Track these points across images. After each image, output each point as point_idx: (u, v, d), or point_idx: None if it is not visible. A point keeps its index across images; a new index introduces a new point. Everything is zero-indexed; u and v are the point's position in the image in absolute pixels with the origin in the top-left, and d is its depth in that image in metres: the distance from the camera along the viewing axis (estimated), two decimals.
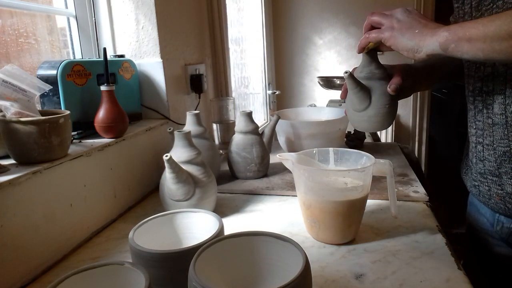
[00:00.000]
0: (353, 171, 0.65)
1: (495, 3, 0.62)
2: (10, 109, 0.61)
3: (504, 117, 0.65)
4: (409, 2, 2.30)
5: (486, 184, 0.72)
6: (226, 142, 1.25)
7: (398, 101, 0.71)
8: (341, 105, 1.93)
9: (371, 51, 0.68)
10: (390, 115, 0.69)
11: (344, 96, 0.74)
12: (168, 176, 0.70)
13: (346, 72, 0.66)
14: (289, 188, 0.92)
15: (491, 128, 0.68)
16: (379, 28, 0.64)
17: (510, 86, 0.63)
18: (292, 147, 1.07)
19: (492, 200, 0.71)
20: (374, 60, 0.68)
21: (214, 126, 1.29)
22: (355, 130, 1.26)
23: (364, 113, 0.68)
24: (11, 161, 0.64)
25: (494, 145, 0.68)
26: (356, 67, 0.72)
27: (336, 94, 2.31)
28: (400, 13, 0.62)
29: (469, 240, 0.86)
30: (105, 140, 0.80)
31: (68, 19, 1.01)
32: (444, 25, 0.59)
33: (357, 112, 0.69)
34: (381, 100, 0.67)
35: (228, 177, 1.01)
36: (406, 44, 0.60)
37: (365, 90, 0.67)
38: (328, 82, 2.01)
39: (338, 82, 1.96)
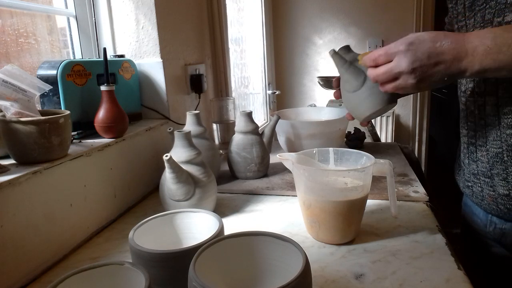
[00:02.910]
0: (353, 171, 0.65)
1: (488, 3, 0.62)
2: (10, 109, 0.61)
3: (496, 118, 0.65)
4: (409, 2, 2.30)
5: (479, 185, 0.72)
6: (226, 142, 1.25)
7: (398, 101, 0.71)
8: (341, 105, 1.93)
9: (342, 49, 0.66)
10: (386, 95, 0.64)
11: (338, 94, 0.69)
12: (168, 176, 0.70)
13: (331, 51, 0.63)
14: (289, 188, 0.92)
15: (484, 129, 0.68)
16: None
17: (502, 88, 0.63)
18: (292, 147, 1.07)
19: (485, 201, 0.71)
20: (350, 50, 0.66)
21: (214, 126, 1.29)
22: (355, 130, 1.26)
23: (361, 92, 0.64)
24: (11, 161, 0.64)
25: (487, 146, 0.68)
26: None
27: None
28: (405, 54, 0.53)
29: (465, 241, 0.86)
30: (105, 140, 0.80)
31: (68, 19, 1.01)
32: (464, 41, 0.52)
33: (354, 94, 0.65)
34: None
35: (228, 177, 1.01)
36: (435, 85, 0.55)
37: (355, 66, 0.63)
38: (328, 82, 2.01)
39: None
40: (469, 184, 0.75)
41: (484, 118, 0.67)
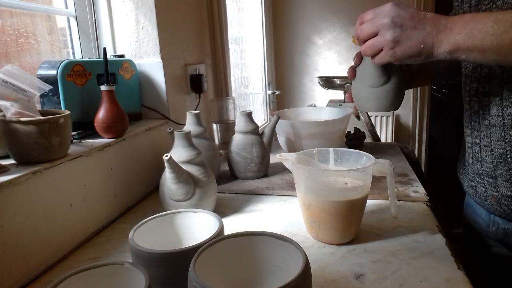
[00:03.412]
0: (353, 171, 0.65)
1: (495, 2, 0.62)
2: (10, 109, 0.61)
3: (501, 119, 0.65)
4: (409, 2, 2.30)
5: (483, 185, 0.72)
6: (226, 142, 1.25)
7: None
8: (341, 105, 1.93)
9: None
10: (403, 93, 0.66)
11: (352, 75, 0.69)
12: (168, 176, 0.70)
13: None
14: (289, 188, 0.92)
15: (488, 129, 0.68)
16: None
17: (507, 88, 0.63)
18: (292, 147, 1.07)
19: (488, 202, 0.71)
20: None
21: (214, 126, 1.29)
22: (355, 130, 1.26)
23: (383, 88, 0.65)
24: (11, 161, 0.64)
25: (492, 146, 0.68)
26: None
27: (336, 94, 2.31)
28: (390, 10, 0.56)
29: (466, 241, 0.86)
30: (105, 140, 0.80)
31: (68, 19, 1.01)
32: (445, 18, 0.55)
33: (373, 89, 0.65)
34: (397, 75, 0.65)
35: (228, 177, 1.01)
36: (410, 53, 0.56)
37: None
38: (328, 82, 2.01)
39: (338, 82, 1.96)
40: (473, 184, 0.75)
41: (488, 118, 0.67)
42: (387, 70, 0.64)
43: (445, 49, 0.54)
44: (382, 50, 0.58)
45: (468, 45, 0.53)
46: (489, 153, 0.68)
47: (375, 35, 0.58)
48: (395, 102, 0.66)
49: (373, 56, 0.60)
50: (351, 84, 0.70)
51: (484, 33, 0.52)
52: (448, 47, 0.54)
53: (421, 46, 0.55)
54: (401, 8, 0.55)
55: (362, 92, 0.67)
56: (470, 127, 0.73)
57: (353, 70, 0.69)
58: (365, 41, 0.60)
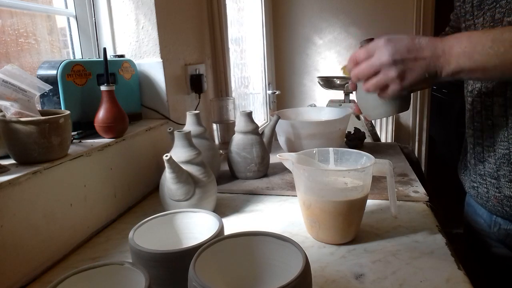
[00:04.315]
0: (353, 171, 0.65)
1: (498, 2, 0.61)
2: (10, 109, 0.61)
3: (504, 119, 0.65)
4: (409, 2, 2.30)
5: (485, 186, 0.72)
6: (226, 142, 1.25)
7: None
8: (341, 105, 1.93)
9: None
10: (409, 94, 0.66)
11: (354, 87, 0.68)
12: (168, 176, 0.70)
13: (365, 40, 0.62)
14: (289, 188, 0.92)
15: (491, 129, 0.67)
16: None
17: (510, 89, 0.63)
18: (292, 147, 1.07)
19: (490, 203, 0.71)
20: None
21: (214, 126, 1.29)
22: (355, 130, 1.26)
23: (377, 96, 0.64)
24: (11, 161, 0.64)
25: (495, 147, 0.67)
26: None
27: (336, 94, 2.31)
28: (385, 47, 0.55)
29: (466, 241, 0.86)
30: (105, 140, 0.80)
31: (68, 19, 1.01)
32: (440, 41, 0.54)
33: (371, 95, 0.63)
34: None
35: (228, 177, 1.01)
36: (417, 82, 0.55)
37: None
38: (328, 82, 2.01)
39: (338, 82, 1.96)
40: (475, 185, 0.75)
41: (491, 118, 0.67)
42: None
43: (447, 73, 0.54)
44: (387, 86, 0.57)
45: (470, 67, 0.52)
46: (492, 153, 0.68)
47: (375, 74, 0.57)
48: (404, 104, 0.65)
49: (379, 92, 0.59)
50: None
51: (484, 54, 0.51)
52: (450, 71, 0.53)
53: (426, 75, 0.54)
54: (395, 43, 0.55)
55: (368, 101, 0.66)
56: (472, 128, 0.73)
57: (354, 83, 0.68)
58: (366, 79, 0.59)
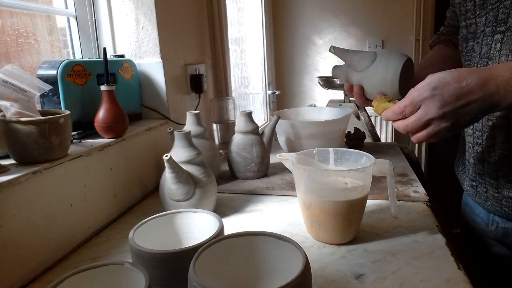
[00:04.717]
0: (353, 171, 0.65)
1: (502, 2, 0.60)
2: (10, 109, 0.61)
3: (506, 120, 0.64)
4: (409, 2, 2.30)
5: (484, 185, 0.72)
6: (226, 142, 1.25)
7: None
8: (341, 105, 1.93)
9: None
10: (399, 52, 0.67)
11: (362, 101, 0.70)
12: (168, 176, 0.70)
13: (332, 46, 0.68)
14: (289, 188, 0.92)
15: (492, 130, 0.67)
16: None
17: None
18: (292, 147, 1.07)
19: (489, 202, 0.71)
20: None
21: (214, 126, 1.29)
22: (355, 130, 1.26)
23: (377, 62, 0.67)
24: (11, 161, 0.64)
25: (495, 147, 0.67)
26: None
27: (336, 94, 2.31)
28: (433, 100, 0.50)
29: (464, 240, 0.86)
30: (105, 140, 0.80)
31: (68, 19, 1.01)
32: (490, 76, 0.50)
33: (371, 68, 0.67)
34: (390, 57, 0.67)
35: (228, 177, 1.01)
36: (470, 124, 0.53)
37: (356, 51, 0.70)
38: (328, 82, 2.01)
39: (338, 82, 1.96)
40: (474, 184, 0.75)
41: (492, 119, 0.67)
42: (367, 53, 0.70)
43: (505, 106, 0.51)
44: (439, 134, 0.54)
45: None
46: (492, 154, 0.68)
47: (426, 126, 0.53)
48: (398, 54, 0.68)
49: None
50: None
51: None
52: (507, 104, 0.50)
53: (479, 116, 0.52)
54: (442, 91, 0.50)
55: (371, 77, 0.69)
56: (472, 127, 0.73)
57: (361, 98, 0.70)
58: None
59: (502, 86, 0.49)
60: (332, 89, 2.05)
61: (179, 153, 0.75)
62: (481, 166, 0.71)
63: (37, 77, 0.72)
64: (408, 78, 0.68)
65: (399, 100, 0.57)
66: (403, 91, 0.65)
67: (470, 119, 0.52)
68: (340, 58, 0.72)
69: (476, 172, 0.73)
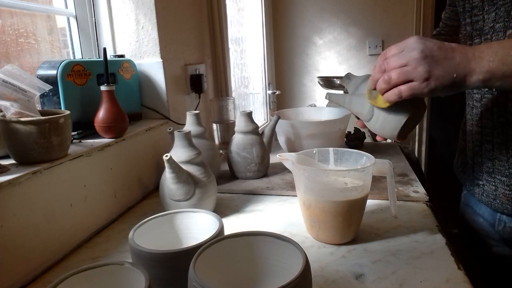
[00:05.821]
0: (353, 171, 0.65)
1: None
2: (10, 109, 0.61)
3: None
4: (409, 2, 2.30)
5: (493, 183, 0.71)
6: (226, 142, 1.25)
7: None
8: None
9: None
10: (404, 106, 0.61)
11: (362, 124, 0.68)
12: (168, 176, 0.70)
13: (326, 95, 0.68)
14: (289, 188, 0.92)
15: (504, 127, 0.67)
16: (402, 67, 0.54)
17: None
18: (292, 147, 1.07)
19: (498, 200, 0.71)
20: (350, 76, 0.70)
21: (214, 126, 1.29)
22: (355, 130, 1.26)
23: (376, 117, 0.62)
24: (11, 161, 0.64)
25: (507, 144, 0.67)
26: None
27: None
28: (416, 43, 0.53)
29: (463, 241, 0.85)
30: (105, 140, 0.80)
31: (68, 19, 1.01)
32: (471, 47, 0.52)
33: (373, 121, 0.64)
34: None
35: (228, 177, 1.01)
36: (443, 84, 0.52)
37: (356, 95, 0.64)
38: (328, 82, 2.01)
39: (338, 82, 1.96)
40: (480, 182, 0.74)
41: (504, 116, 0.66)
42: (362, 97, 0.63)
43: (478, 78, 0.52)
44: (411, 81, 0.54)
45: (503, 71, 0.50)
46: (504, 151, 0.67)
47: (403, 67, 0.54)
48: (403, 108, 0.60)
49: (402, 83, 0.55)
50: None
51: None
52: (481, 76, 0.51)
53: (454, 75, 0.52)
54: (427, 40, 0.53)
55: (374, 127, 0.65)
56: (480, 125, 0.72)
57: (361, 122, 0.68)
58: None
59: (477, 55, 0.52)
60: (332, 89, 2.05)
61: (179, 153, 0.75)
62: (491, 164, 0.71)
63: (37, 77, 0.72)
64: (413, 124, 0.64)
65: None
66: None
67: (445, 76, 0.52)
68: (338, 104, 0.68)
69: (484, 171, 0.73)
